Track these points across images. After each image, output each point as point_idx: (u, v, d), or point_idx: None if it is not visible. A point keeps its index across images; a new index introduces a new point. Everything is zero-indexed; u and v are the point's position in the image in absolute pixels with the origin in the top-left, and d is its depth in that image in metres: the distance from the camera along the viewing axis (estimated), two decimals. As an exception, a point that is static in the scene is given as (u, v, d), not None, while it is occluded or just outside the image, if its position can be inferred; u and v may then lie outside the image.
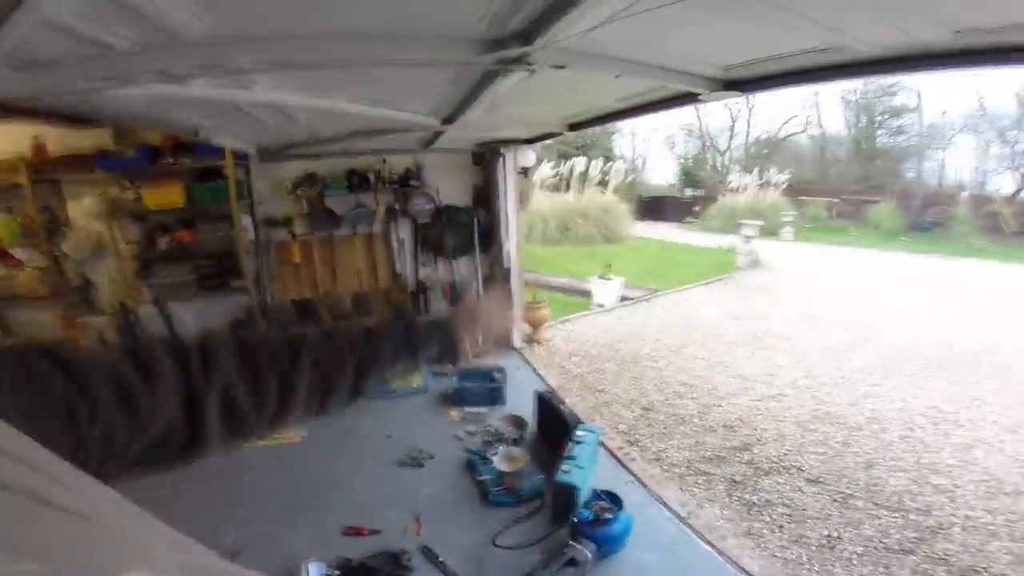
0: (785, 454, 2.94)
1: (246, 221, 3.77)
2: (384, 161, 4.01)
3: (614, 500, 2.00)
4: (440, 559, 2.00)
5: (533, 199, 12.84)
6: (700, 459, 2.94)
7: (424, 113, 2.38)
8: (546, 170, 12.81)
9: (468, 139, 3.95)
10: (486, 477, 2.56)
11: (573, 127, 3.06)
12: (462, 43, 1.28)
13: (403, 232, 4.23)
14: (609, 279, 7.03)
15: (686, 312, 6.51)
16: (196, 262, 3.65)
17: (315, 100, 1.90)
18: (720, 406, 3.67)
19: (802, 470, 2.78)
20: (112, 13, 0.99)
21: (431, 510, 2.38)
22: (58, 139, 3.43)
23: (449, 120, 2.45)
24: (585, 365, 4.70)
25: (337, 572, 1.87)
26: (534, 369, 4.40)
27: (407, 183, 4.05)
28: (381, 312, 4.19)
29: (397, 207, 4.11)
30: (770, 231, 14.10)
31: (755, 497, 2.59)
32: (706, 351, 4.98)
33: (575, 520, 1.95)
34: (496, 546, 2.08)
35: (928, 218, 14.56)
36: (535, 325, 5.15)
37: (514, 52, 1.26)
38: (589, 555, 1.85)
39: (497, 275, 4.36)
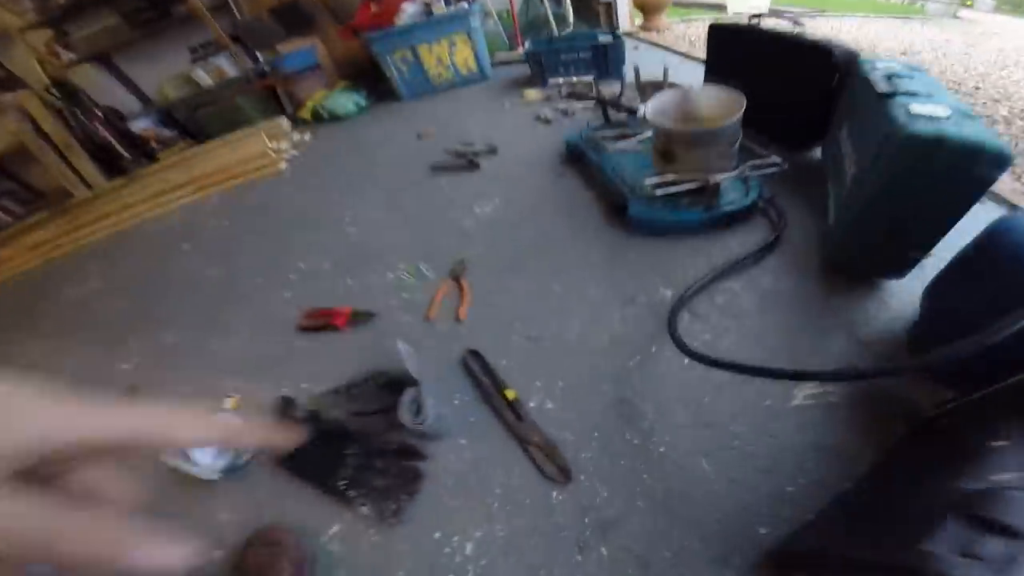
0: None
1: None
2: None
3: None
4: (520, 403, 0.84)
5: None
6: None
7: None
8: None
9: None
10: (623, 171, 1.20)
11: None
12: None
13: None
14: (748, -20, 4.71)
15: (902, 34, 3.87)
16: (115, 2, 2.43)
17: None
18: None
19: None
20: None
21: (488, 255, 1.14)
22: None
23: None
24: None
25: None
26: (662, 47, 2.75)
27: None
28: None
29: None
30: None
31: None
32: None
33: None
34: (681, 346, 0.79)
35: None
36: (648, 10, 3.36)
37: None
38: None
39: None
